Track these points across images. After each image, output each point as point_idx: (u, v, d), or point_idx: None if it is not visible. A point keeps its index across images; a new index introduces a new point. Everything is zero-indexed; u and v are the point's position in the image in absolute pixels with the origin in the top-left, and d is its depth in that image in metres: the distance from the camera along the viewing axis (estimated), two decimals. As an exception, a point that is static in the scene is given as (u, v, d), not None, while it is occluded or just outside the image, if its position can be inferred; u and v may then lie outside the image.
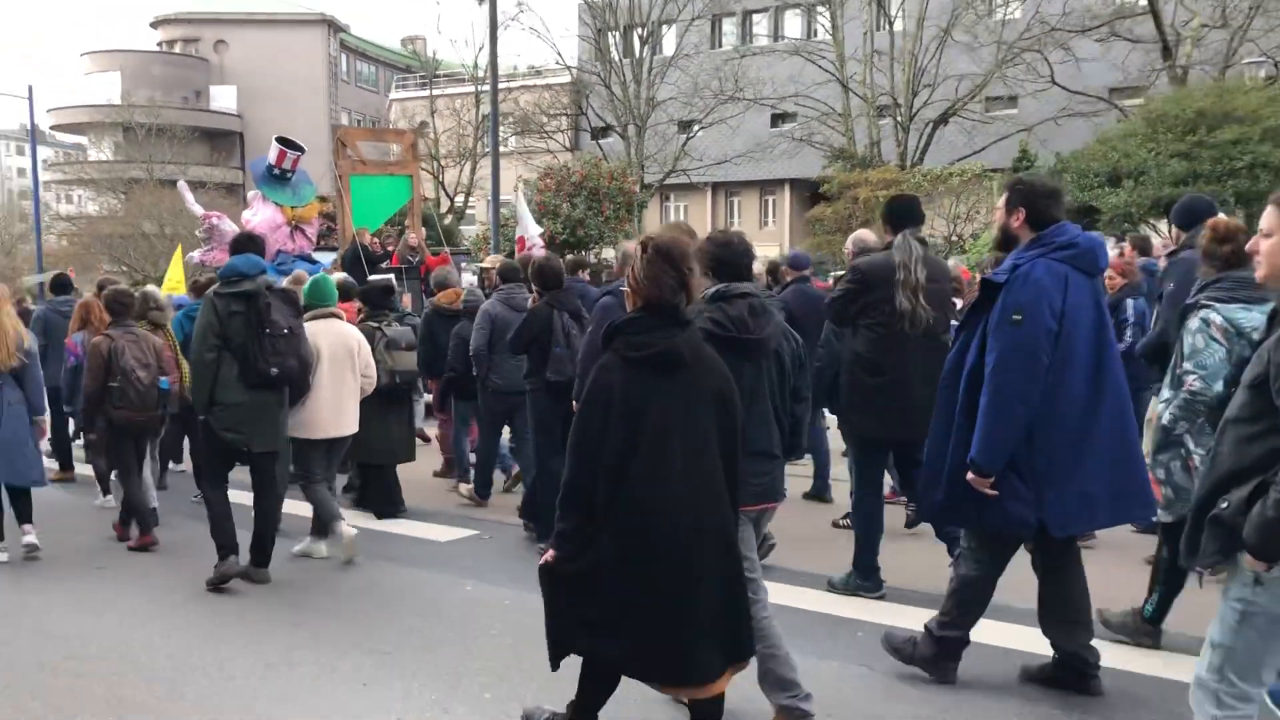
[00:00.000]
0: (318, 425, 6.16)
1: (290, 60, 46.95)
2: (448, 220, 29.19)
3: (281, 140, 12.01)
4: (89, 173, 42.01)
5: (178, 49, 49.65)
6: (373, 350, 6.68)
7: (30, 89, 29.01)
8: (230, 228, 11.76)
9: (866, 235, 6.64)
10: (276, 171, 11.96)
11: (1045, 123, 26.06)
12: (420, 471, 8.48)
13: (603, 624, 3.05)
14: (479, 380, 7.31)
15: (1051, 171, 20.24)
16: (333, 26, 50.24)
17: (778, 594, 4.25)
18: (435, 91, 35.40)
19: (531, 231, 12.92)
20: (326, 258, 12.90)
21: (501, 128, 32.02)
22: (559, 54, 33.48)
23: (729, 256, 3.70)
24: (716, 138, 31.20)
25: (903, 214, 5.26)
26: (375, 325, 7.05)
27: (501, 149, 32.51)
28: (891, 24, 28.31)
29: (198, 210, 12.69)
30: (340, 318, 6.39)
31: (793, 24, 35.58)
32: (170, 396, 6.64)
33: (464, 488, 7.91)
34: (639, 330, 3.08)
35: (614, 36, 31.34)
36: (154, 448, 7.17)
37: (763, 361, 3.64)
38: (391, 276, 10.56)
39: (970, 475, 3.84)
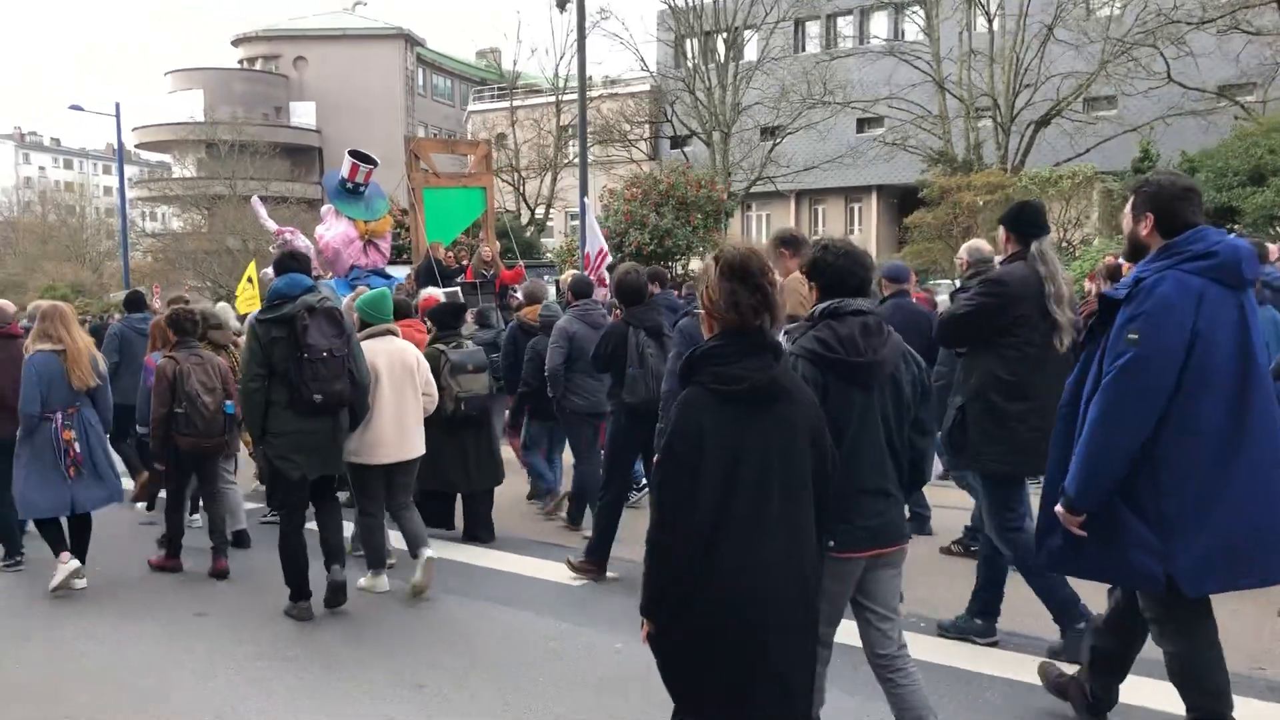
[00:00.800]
0: (380, 449, 5.89)
1: (367, 75, 47.82)
2: (529, 233, 29.17)
3: (354, 154, 11.98)
4: (173, 189, 43.32)
5: (258, 66, 51.01)
6: (438, 376, 6.43)
7: (117, 105, 30.09)
8: (304, 243, 11.76)
9: (982, 245, 6.19)
10: (349, 185, 11.94)
11: (1154, 122, 24.88)
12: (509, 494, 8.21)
13: (712, 700, 2.72)
14: (554, 401, 7.02)
15: (1181, 171, 19.20)
16: (409, 40, 51.06)
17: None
18: (515, 103, 35.43)
19: (602, 246, 12.61)
20: (401, 272, 12.83)
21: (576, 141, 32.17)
22: (643, 60, 33.41)
23: (849, 267, 3.29)
24: (803, 144, 30.62)
25: (1032, 221, 4.75)
26: (441, 349, 6.77)
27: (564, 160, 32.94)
28: (991, 21, 27.32)
29: (271, 226, 12.73)
30: (396, 334, 6.12)
31: (878, 25, 34.84)
32: (235, 420, 6.47)
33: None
34: (726, 360, 2.70)
35: (693, 43, 30.98)
36: (225, 469, 7.00)
37: (876, 388, 3.22)
38: (458, 290, 10.40)
39: (1059, 508, 3.39)
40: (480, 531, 7.12)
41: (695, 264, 21.39)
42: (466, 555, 6.79)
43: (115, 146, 32.61)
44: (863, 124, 32.59)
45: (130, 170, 43.12)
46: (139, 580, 6.44)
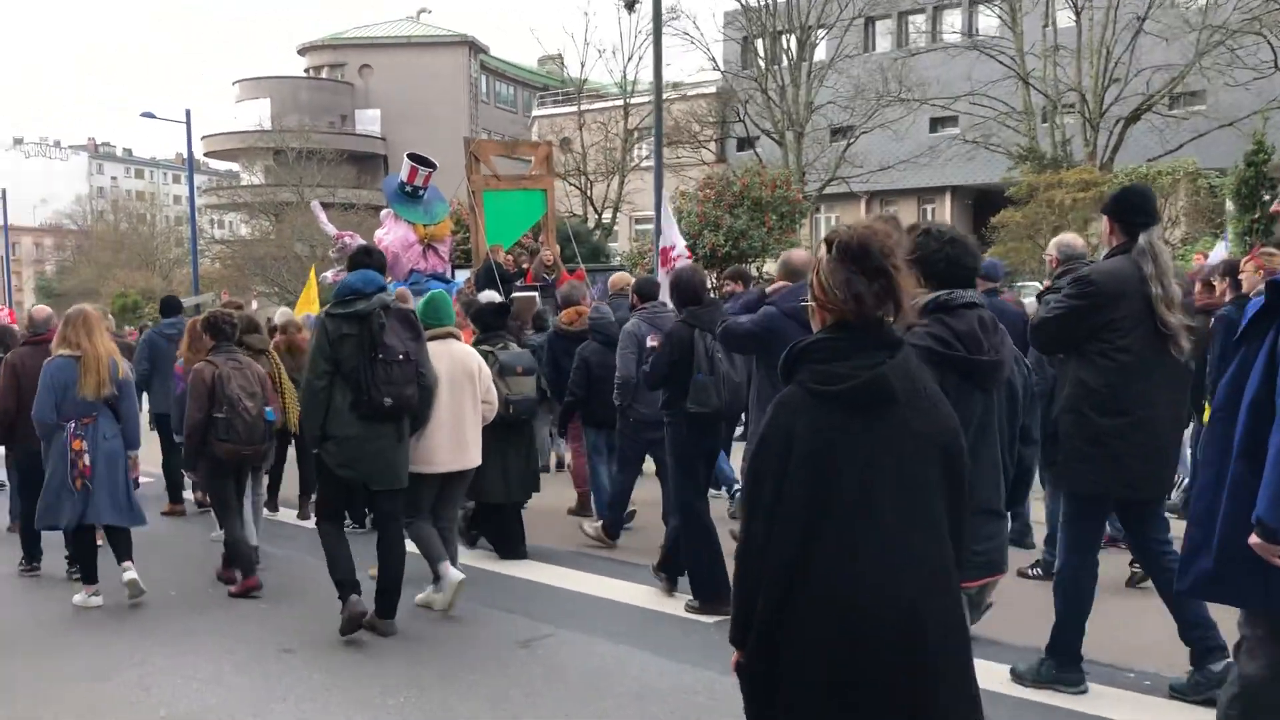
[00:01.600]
0: (435, 458, 5.67)
1: (432, 82, 48.30)
2: (595, 236, 28.98)
3: (413, 156, 11.86)
4: (242, 196, 44.17)
5: (324, 74, 51.88)
6: None
7: (187, 112, 30.45)
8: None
9: (1073, 239, 5.79)
10: (409, 189, 11.82)
11: (1253, 115, 23.75)
12: (551, 504, 8.00)
13: None
14: (619, 409, 6.75)
15: None
16: (474, 47, 51.49)
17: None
18: (582, 106, 35.19)
19: (679, 243, 12.15)
20: (461, 275, 12.69)
21: (649, 140, 31.83)
22: (714, 60, 32.83)
23: (959, 255, 2.96)
24: (876, 144, 29.91)
25: (1140, 208, 4.29)
26: (489, 349, 6.55)
27: (649, 162, 32.53)
28: (1079, 13, 26.31)
29: (330, 230, 12.66)
30: (458, 338, 5.92)
31: (951, 21, 33.87)
32: (275, 427, 6.29)
33: (590, 525, 7.32)
34: (832, 355, 2.32)
35: (764, 42, 30.43)
36: (256, 481, 6.88)
37: (995, 391, 2.85)
38: (535, 294, 10.20)
39: (1254, 539, 2.92)
40: (515, 545, 6.89)
41: (770, 266, 20.79)
42: (518, 570, 6.55)
43: (185, 156, 33.27)
44: (936, 123, 31.82)
45: (199, 179, 44.17)
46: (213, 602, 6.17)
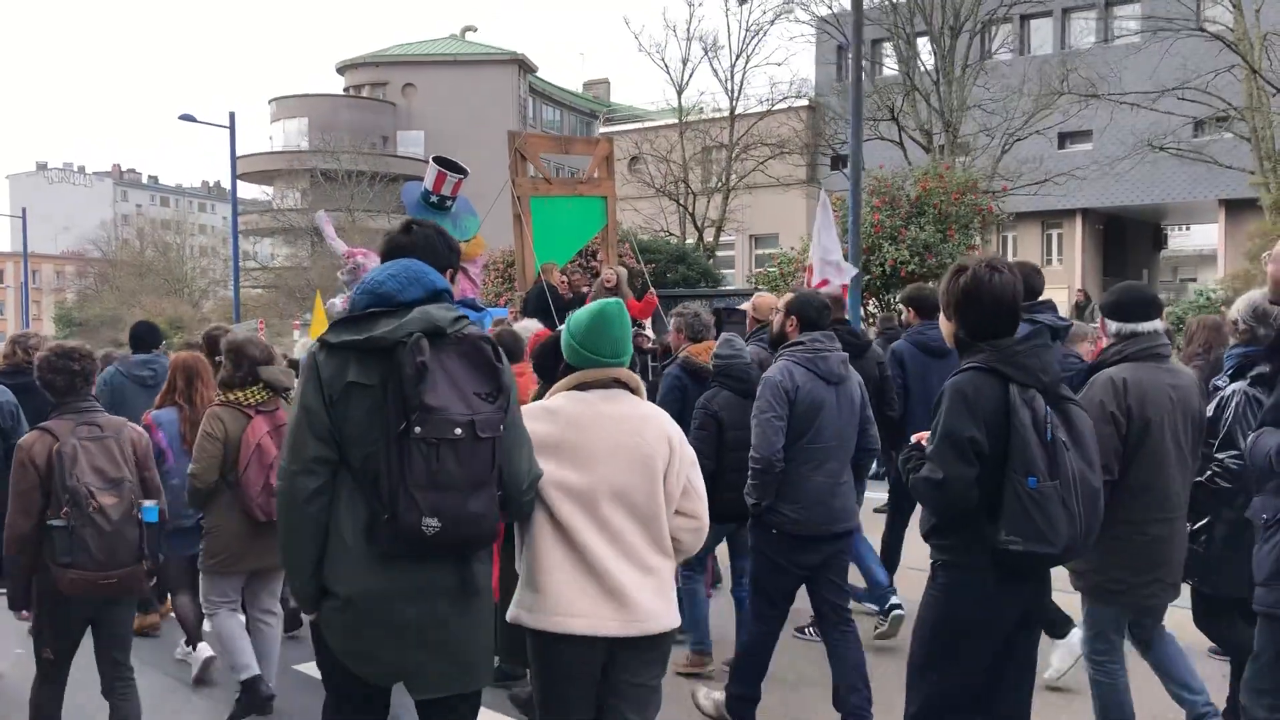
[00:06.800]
0: (572, 609, 3.11)
1: (478, 103, 46.80)
2: (710, 259, 26.59)
3: (440, 160, 9.94)
4: (280, 219, 42.72)
5: (365, 93, 50.68)
6: None
7: (231, 115, 27.94)
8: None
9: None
10: (434, 199, 9.95)
11: None
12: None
13: None
14: (753, 509, 4.53)
15: None
16: (523, 67, 50.03)
17: None
18: (684, 117, 32.36)
19: (839, 262, 9.33)
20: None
21: (750, 155, 29.37)
22: (869, 58, 29.49)
23: None
24: (1035, 151, 26.44)
25: None
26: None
27: (754, 177, 29.91)
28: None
29: (340, 247, 10.67)
30: (634, 391, 3.28)
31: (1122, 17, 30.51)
32: (162, 533, 4.06)
33: (707, 694, 4.94)
34: None
35: (901, 43, 27.33)
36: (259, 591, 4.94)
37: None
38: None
39: None
40: None
41: None
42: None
43: (210, 185, 31.53)
44: (1064, 139, 28.78)
45: (227, 207, 42.81)
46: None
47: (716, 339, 5.51)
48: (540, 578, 3.07)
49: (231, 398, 4.76)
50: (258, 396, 4.77)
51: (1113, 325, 3.94)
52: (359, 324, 2.82)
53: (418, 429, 2.67)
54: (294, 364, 7.58)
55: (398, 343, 2.73)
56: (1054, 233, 32.51)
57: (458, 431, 2.71)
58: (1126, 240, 34.41)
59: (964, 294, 3.26)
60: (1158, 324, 3.91)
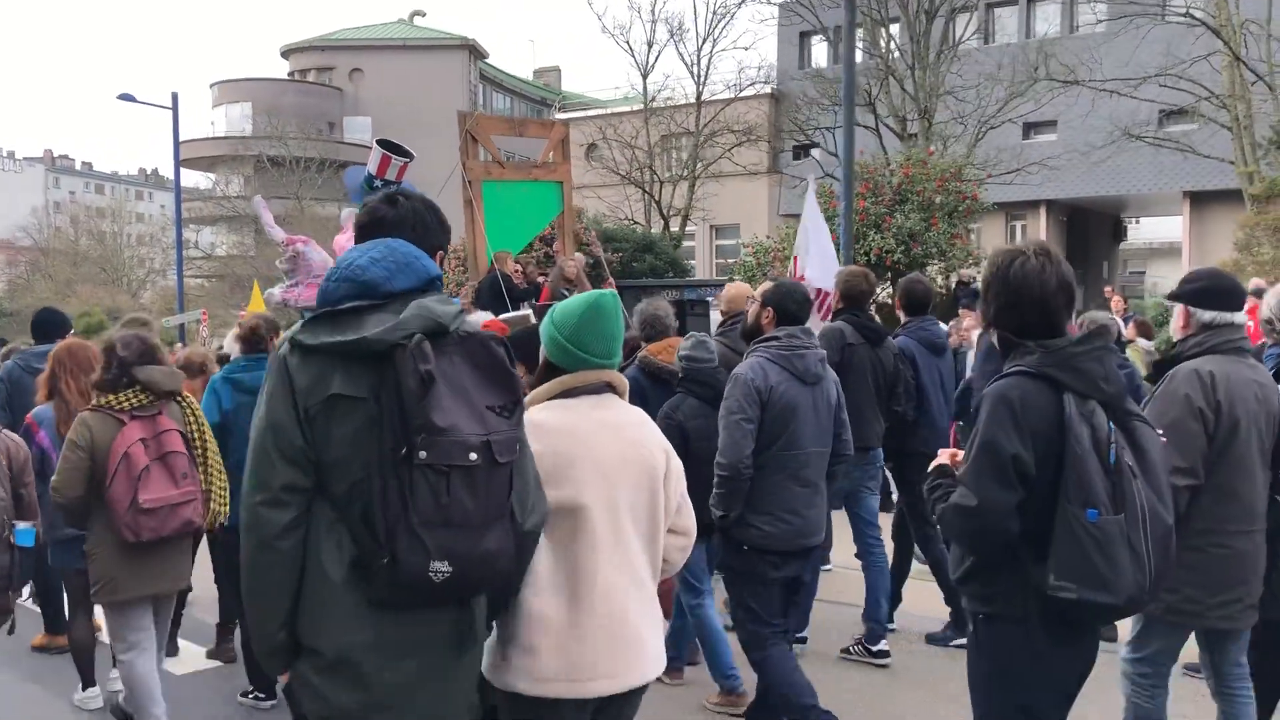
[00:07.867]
0: (578, 667, 2.62)
1: (428, 89, 45.90)
2: (675, 246, 25.96)
3: (384, 144, 9.26)
4: (224, 206, 41.61)
5: (311, 78, 49.47)
6: None
7: (174, 95, 26.72)
8: (320, 257, 9.08)
9: None
10: (378, 184, 9.23)
11: None
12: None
13: None
14: (720, 520, 4.16)
15: None
16: (474, 52, 49.15)
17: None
18: (649, 103, 31.64)
19: (814, 255, 8.91)
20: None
21: (716, 142, 28.74)
22: (862, 39, 28.94)
23: None
24: (1001, 141, 26.34)
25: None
26: None
27: (720, 165, 29.29)
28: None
29: (278, 234, 9.94)
30: (618, 393, 2.81)
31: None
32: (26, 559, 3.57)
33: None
34: None
35: (884, 29, 26.82)
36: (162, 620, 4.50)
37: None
38: (529, 313, 7.64)
39: None
40: None
41: (970, 274, 15.59)
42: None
43: (147, 172, 30.28)
44: (1028, 129, 28.56)
45: (167, 196, 41.50)
46: None
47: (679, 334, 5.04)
48: (536, 639, 2.61)
49: (103, 402, 4.20)
50: (133, 400, 4.20)
51: (1206, 314, 3.52)
52: (342, 321, 2.26)
53: (423, 454, 2.15)
54: (224, 360, 6.90)
55: (394, 346, 2.19)
56: (1018, 224, 32.32)
57: (473, 457, 2.20)
58: (1089, 232, 34.37)
59: (1012, 284, 2.72)
60: (1243, 315, 3.54)
